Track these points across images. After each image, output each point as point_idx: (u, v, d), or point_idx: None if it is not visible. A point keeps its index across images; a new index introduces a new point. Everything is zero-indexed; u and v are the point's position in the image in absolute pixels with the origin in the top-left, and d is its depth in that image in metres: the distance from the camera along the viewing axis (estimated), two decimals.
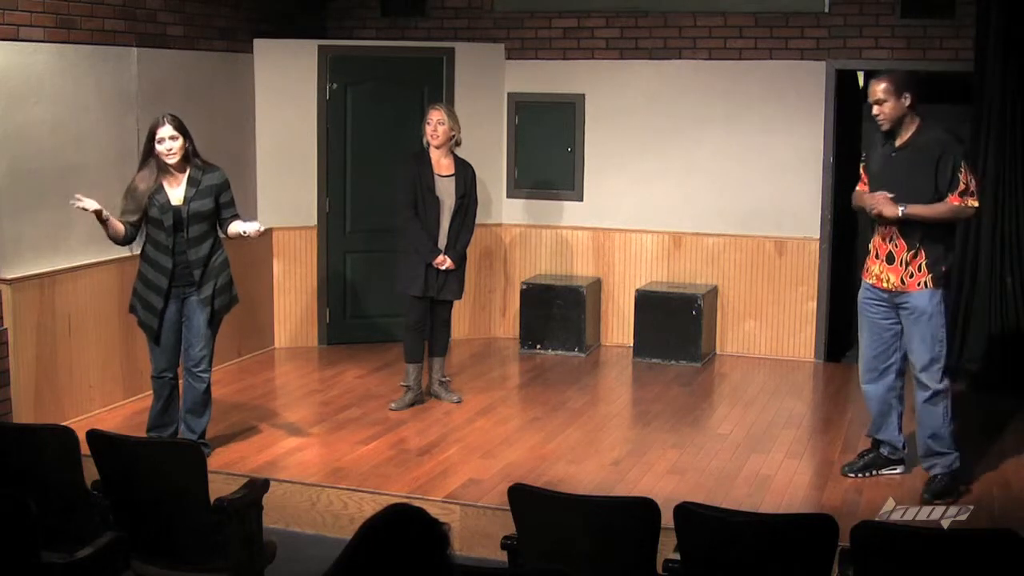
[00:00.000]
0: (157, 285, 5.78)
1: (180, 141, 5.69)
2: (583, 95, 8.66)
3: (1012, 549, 3.46)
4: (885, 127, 5.47)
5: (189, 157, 5.76)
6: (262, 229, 5.86)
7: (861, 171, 5.72)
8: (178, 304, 5.85)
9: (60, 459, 4.38)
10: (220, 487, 4.64)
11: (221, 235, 5.93)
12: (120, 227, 5.70)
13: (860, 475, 5.79)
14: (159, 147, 5.67)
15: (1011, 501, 5.55)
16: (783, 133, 8.24)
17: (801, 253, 8.31)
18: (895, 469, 5.81)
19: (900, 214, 5.36)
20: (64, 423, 5.57)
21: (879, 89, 5.41)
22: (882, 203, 5.40)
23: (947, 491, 5.49)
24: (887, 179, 5.46)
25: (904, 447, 5.82)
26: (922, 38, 7.91)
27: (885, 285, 5.55)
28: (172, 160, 5.69)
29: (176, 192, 5.74)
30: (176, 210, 5.72)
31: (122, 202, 5.77)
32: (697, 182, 8.47)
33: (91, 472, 4.45)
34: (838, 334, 8.66)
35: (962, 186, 5.33)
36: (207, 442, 6.06)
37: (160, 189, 5.72)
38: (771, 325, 8.43)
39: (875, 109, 5.45)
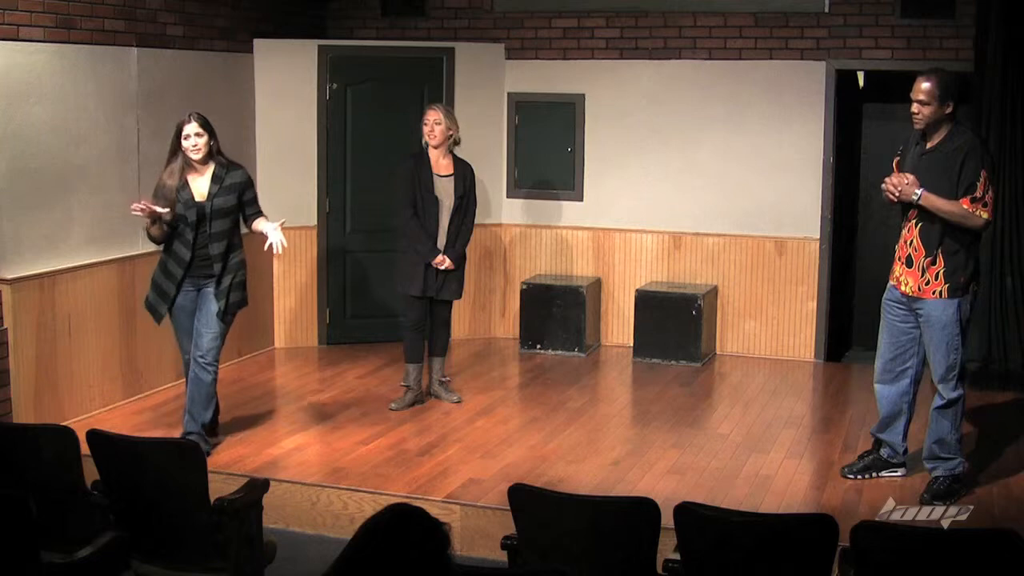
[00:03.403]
0: (173, 274, 5.96)
1: (205, 138, 5.88)
2: (583, 95, 8.66)
3: (1012, 549, 3.46)
4: (919, 127, 5.38)
5: (213, 154, 5.95)
6: (281, 249, 5.99)
7: (894, 165, 5.61)
8: (193, 293, 6.01)
9: (60, 459, 4.38)
10: (220, 487, 4.65)
11: (245, 230, 6.09)
12: (163, 227, 5.92)
13: (859, 477, 5.78)
14: (185, 143, 5.87)
15: (1011, 501, 5.55)
16: (783, 133, 8.25)
17: (801, 253, 8.31)
18: (895, 472, 5.79)
19: (915, 196, 5.29)
20: (64, 423, 5.59)
21: (923, 89, 5.28)
22: (904, 185, 5.32)
23: (947, 494, 5.48)
24: None
25: (905, 452, 5.80)
26: (922, 38, 7.91)
27: (903, 288, 5.51)
28: (197, 156, 5.87)
29: (200, 188, 5.92)
30: (199, 206, 5.89)
31: (153, 201, 5.91)
32: (697, 182, 8.47)
33: (91, 472, 4.45)
34: (838, 334, 8.67)
35: (977, 193, 5.26)
36: (215, 433, 6.26)
37: (185, 185, 5.90)
38: (771, 325, 8.43)
39: (914, 107, 5.32)
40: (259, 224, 6.03)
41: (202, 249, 5.91)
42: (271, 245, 5.93)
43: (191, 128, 5.85)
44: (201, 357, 6.02)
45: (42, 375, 6.36)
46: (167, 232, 5.91)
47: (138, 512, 4.36)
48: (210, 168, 5.93)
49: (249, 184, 6.07)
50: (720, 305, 8.51)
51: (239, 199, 5.98)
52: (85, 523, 4.35)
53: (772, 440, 6.47)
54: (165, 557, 4.37)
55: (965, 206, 5.27)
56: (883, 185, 5.47)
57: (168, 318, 6.08)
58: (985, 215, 5.31)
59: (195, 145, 5.85)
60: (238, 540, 4.28)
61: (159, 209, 5.77)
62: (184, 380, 6.32)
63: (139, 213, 5.76)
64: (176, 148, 5.91)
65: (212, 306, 5.97)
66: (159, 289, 6.01)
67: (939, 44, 7.87)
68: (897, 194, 5.37)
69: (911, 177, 5.34)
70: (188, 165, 5.91)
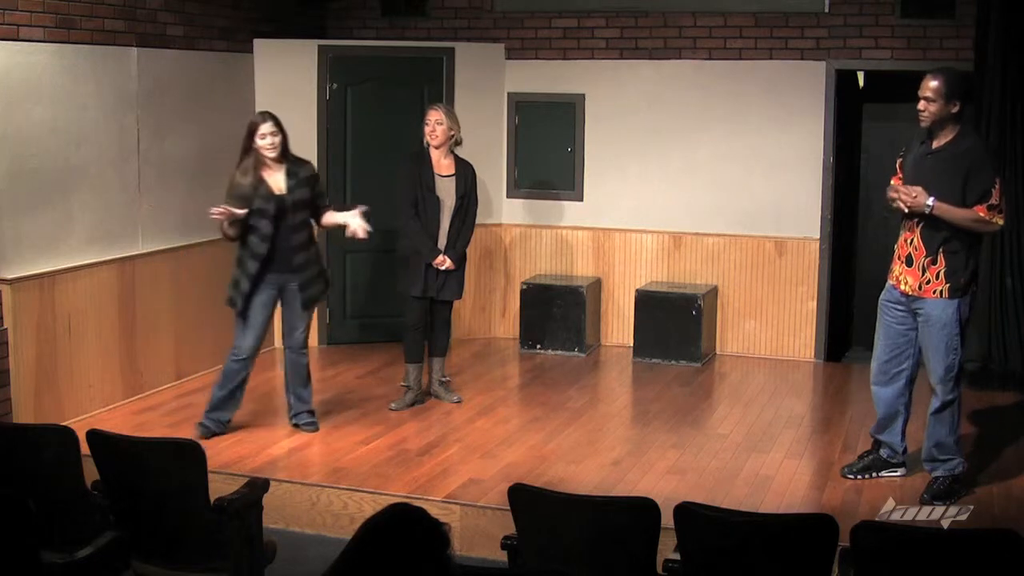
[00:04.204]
0: (249, 270, 6.17)
1: (280, 137, 6.12)
2: (583, 95, 8.66)
3: (1012, 549, 3.46)
4: (924, 124, 5.34)
5: (285, 152, 6.17)
6: (364, 233, 6.29)
7: (897, 166, 5.58)
8: (274, 290, 6.24)
9: (60, 459, 4.38)
10: (220, 487, 4.64)
11: (315, 225, 6.35)
12: (238, 226, 6.13)
13: (859, 477, 5.78)
14: (261, 142, 6.08)
15: (1011, 501, 5.55)
16: (783, 133, 8.24)
17: (801, 253, 8.31)
18: (895, 472, 5.78)
19: (928, 206, 5.25)
20: (64, 423, 5.58)
21: (930, 87, 5.25)
22: (917, 193, 5.28)
23: (947, 494, 5.47)
24: (915, 181, 5.36)
25: (905, 452, 5.79)
26: (922, 38, 7.91)
27: (903, 287, 5.48)
28: (274, 154, 6.12)
29: (277, 183, 6.14)
30: (279, 199, 6.11)
31: (227, 201, 6.08)
32: (697, 182, 8.47)
33: (91, 472, 4.45)
34: (838, 334, 8.67)
35: (993, 200, 5.23)
36: (312, 409, 6.55)
37: (261, 181, 6.11)
38: (771, 325, 8.43)
39: (921, 104, 5.29)
40: (331, 216, 6.34)
41: (283, 242, 6.12)
42: (354, 232, 6.23)
43: (267, 128, 6.08)
44: (298, 347, 6.38)
45: (42, 375, 6.36)
46: (240, 229, 6.11)
47: (138, 512, 4.36)
48: (283, 164, 6.15)
49: (317, 178, 6.39)
50: (720, 305, 8.51)
51: (311, 192, 6.23)
52: (85, 523, 4.35)
53: (772, 440, 6.47)
54: (165, 557, 4.37)
55: (981, 214, 5.25)
56: (890, 194, 5.43)
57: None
58: (1000, 221, 5.31)
59: (271, 144, 6.08)
60: (238, 540, 4.28)
61: (237, 211, 5.98)
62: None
63: (218, 217, 5.95)
64: (248, 147, 6.11)
65: (298, 301, 6.29)
66: (237, 283, 6.22)
67: (939, 44, 7.86)
68: (909, 205, 5.33)
69: (918, 188, 5.30)
70: (261, 163, 6.10)
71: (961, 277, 5.36)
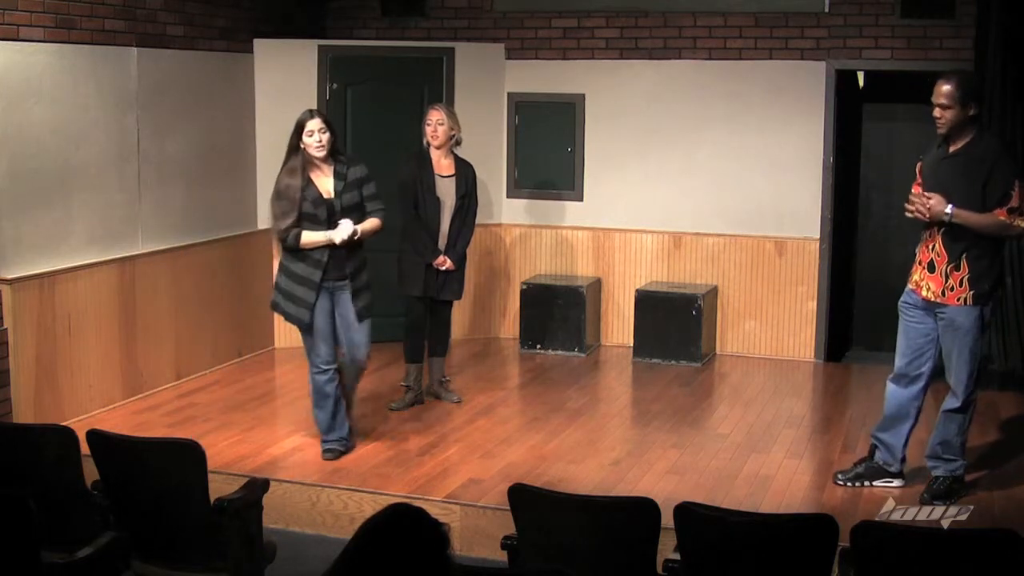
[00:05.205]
0: (309, 279, 5.84)
1: (328, 135, 5.83)
2: (583, 95, 8.66)
3: (1012, 549, 3.46)
4: (942, 131, 5.28)
5: (334, 151, 5.90)
6: (338, 239, 5.82)
7: (917, 172, 5.53)
8: (328, 295, 5.89)
9: (60, 459, 4.38)
10: (220, 487, 4.64)
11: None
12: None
13: (851, 484, 5.69)
14: (308, 139, 5.79)
15: (1011, 501, 5.55)
16: (783, 133, 8.24)
17: (801, 253, 8.31)
18: (890, 482, 5.67)
19: (947, 214, 5.21)
20: (64, 423, 5.58)
21: (943, 92, 5.17)
22: (934, 201, 5.23)
23: (947, 494, 5.46)
24: (933, 185, 5.32)
25: (903, 460, 5.69)
26: (922, 38, 7.91)
27: (924, 293, 5.41)
28: (321, 154, 5.81)
29: (325, 185, 5.87)
30: (329, 203, 5.83)
31: (275, 206, 5.84)
32: (697, 182, 8.47)
33: (91, 472, 4.45)
34: (838, 334, 8.67)
35: (1013, 203, 5.17)
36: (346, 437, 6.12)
37: (309, 183, 5.83)
38: (771, 325, 8.43)
39: (936, 111, 5.22)
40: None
41: (335, 248, 5.81)
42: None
43: (315, 124, 5.80)
44: (361, 359, 6.03)
45: (42, 375, 6.36)
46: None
47: (138, 512, 4.36)
48: (331, 165, 5.88)
49: (368, 179, 5.99)
50: (720, 305, 8.51)
51: (361, 194, 5.94)
52: (85, 523, 4.35)
53: (772, 440, 6.47)
54: (165, 557, 4.37)
55: (1002, 218, 5.20)
56: (907, 206, 5.37)
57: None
58: (1022, 224, 5.24)
59: (319, 142, 5.78)
60: (238, 540, 4.28)
61: (354, 231, 5.76)
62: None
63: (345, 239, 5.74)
64: (295, 146, 5.83)
65: (351, 311, 5.92)
66: (295, 297, 5.86)
67: (939, 44, 7.86)
68: (926, 215, 5.28)
69: (937, 196, 5.25)
70: (309, 163, 5.84)
71: (986, 283, 5.31)
